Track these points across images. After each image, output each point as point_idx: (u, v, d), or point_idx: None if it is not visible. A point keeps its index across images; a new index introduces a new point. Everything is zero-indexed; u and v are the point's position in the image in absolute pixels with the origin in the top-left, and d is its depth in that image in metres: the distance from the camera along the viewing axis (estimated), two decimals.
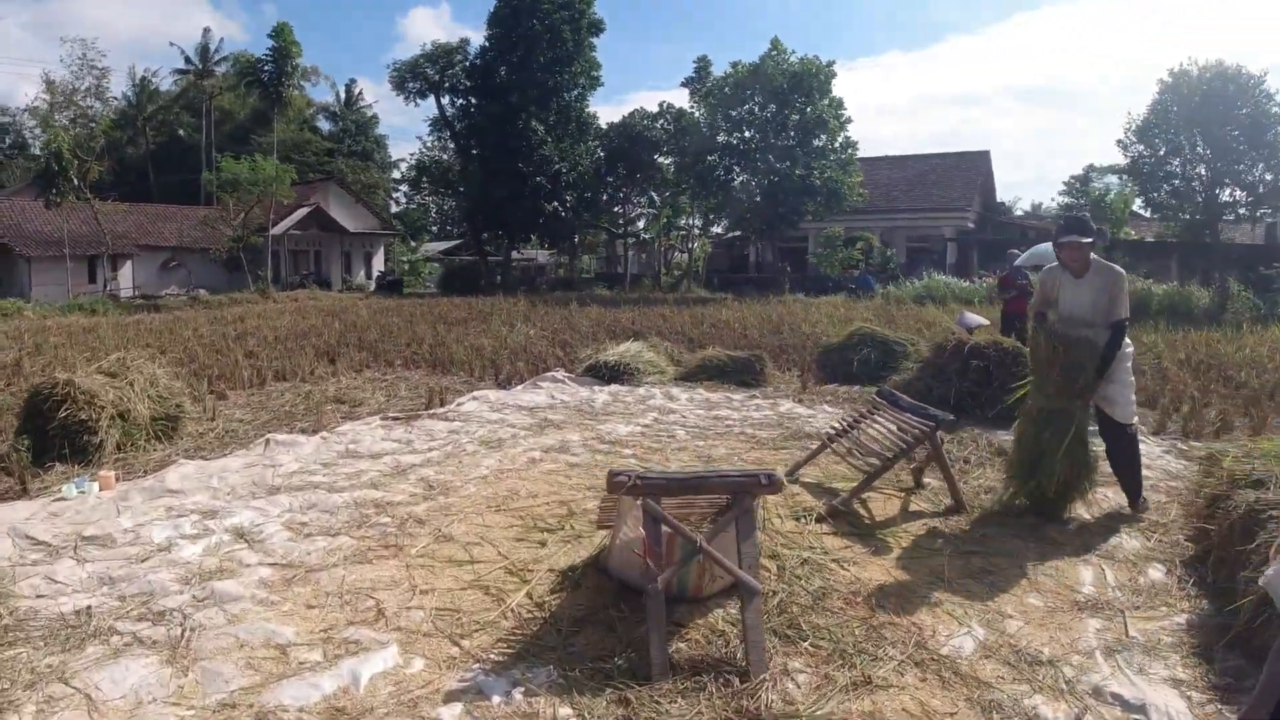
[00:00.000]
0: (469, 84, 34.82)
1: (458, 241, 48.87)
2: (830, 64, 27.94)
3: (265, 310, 22.99)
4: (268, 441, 6.63)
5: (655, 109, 34.45)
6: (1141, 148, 24.25)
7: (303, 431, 7.26)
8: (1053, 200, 36.38)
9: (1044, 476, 4.62)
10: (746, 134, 29.70)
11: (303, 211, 36.20)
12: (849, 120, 28.72)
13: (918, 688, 3.06)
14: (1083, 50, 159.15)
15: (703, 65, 33.29)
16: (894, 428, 5.07)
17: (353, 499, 5.14)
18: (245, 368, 10.60)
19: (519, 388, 9.47)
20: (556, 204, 33.32)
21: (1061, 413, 4.65)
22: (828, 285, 28.52)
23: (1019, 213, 39.31)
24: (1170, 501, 5.15)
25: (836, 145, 28.69)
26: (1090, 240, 4.75)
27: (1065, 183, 45.15)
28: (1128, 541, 4.71)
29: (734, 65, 29.54)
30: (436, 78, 35.17)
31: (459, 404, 8.51)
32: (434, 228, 57.14)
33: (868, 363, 10.34)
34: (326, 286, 36.08)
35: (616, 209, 36.72)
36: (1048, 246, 17.21)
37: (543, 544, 4.37)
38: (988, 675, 3.17)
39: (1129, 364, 4.83)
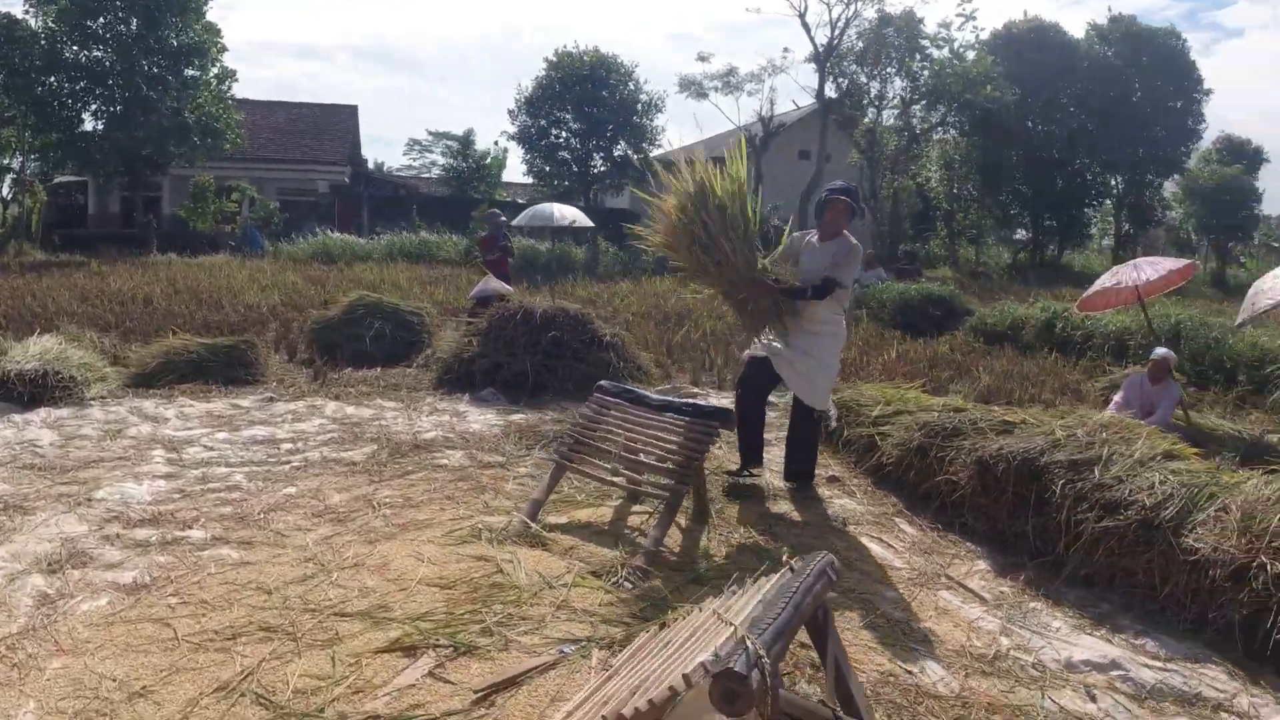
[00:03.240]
0: None
1: None
2: None
3: None
4: None
5: None
6: (526, 118, 26.56)
7: None
8: (413, 160, 37.42)
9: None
10: (99, 53, 22.70)
11: None
12: (224, 49, 24.35)
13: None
14: (417, 14, 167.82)
15: None
16: (660, 433, 4.01)
17: None
18: None
19: None
20: None
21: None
22: (202, 242, 24.04)
23: (388, 169, 39.37)
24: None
25: (212, 77, 24.04)
26: (853, 209, 4.66)
27: (408, 144, 46.95)
28: (850, 505, 4.70)
29: None
30: None
31: None
32: None
33: (384, 338, 8.70)
34: None
35: None
36: (548, 207, 17.29)
37: None
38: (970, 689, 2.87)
39: (838, 348, 4.78)
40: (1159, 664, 3.22)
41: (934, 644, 3.32)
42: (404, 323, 9.02)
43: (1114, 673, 3.15)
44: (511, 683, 2.57)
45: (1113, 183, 27.53)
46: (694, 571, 3.58)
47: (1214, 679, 3.12)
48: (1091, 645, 3.34)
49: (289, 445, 5.50)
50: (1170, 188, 27.36)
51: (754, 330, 4.65)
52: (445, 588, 3.23)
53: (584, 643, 2.76)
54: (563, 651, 2.68)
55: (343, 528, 3.99)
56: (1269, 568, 3.25)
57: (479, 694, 2.51)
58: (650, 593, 3.32)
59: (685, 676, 1.65)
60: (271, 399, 6.84)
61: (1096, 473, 4.04)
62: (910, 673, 3.06)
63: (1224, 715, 2.91)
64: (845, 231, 4.75)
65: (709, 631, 2.04)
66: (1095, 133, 25.75)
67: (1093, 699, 2.98)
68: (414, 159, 36.84)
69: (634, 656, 2.19)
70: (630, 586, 3.31)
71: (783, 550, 3.99)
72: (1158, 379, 6.43)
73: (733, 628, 1.92)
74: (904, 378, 8.34)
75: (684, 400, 4.21)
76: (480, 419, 6.27)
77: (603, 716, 1.74)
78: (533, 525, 3.75)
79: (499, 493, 4.55)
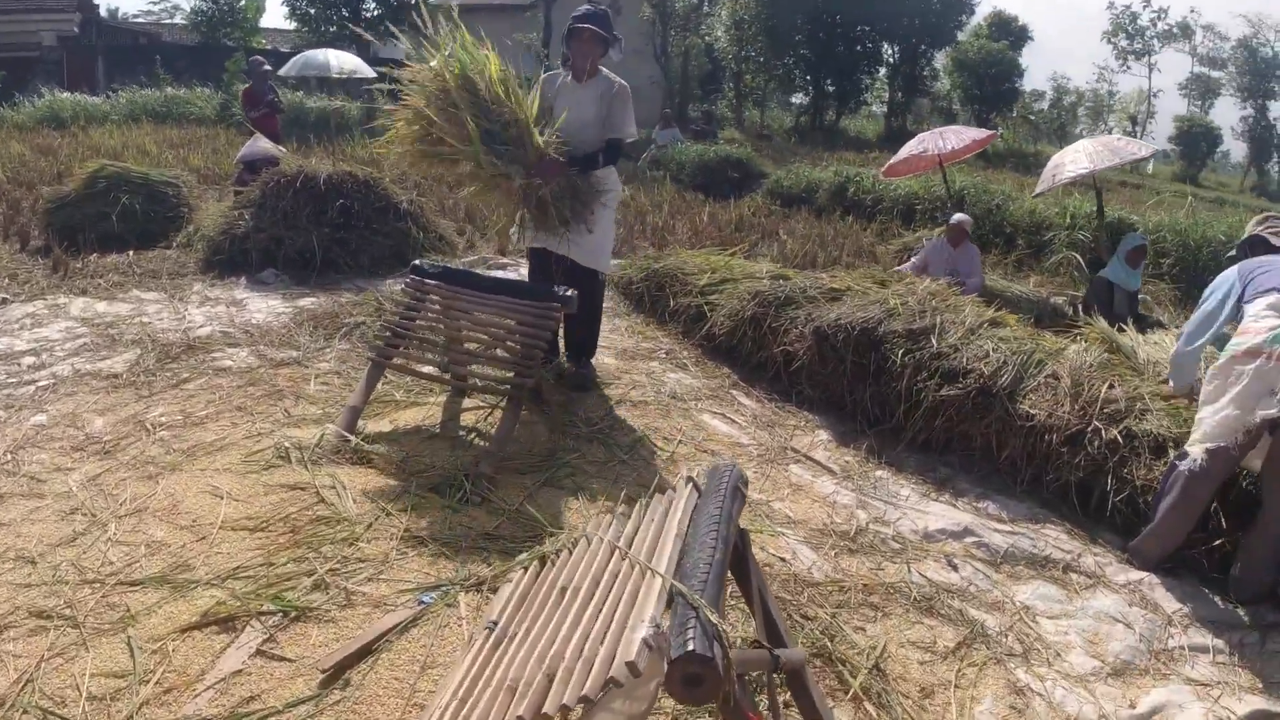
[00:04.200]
0: None
1: None
2: None
3: None
4: None
5: None
6: None
7: None
8: (153, 4, 31.36)
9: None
10: None
11: None
12: None
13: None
14: None
15: None
16: (494, 319, 3.49)
17: None
18: None
19: None
20: None
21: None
22: None
23: (124, 16, 32.75)
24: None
25: None
26: (603, 39, 3.99)
27: None
28: (685, 380, 4.52)
29: None
30: None
31: None
32: None
33: (135, 216, 7.20)
34: None
35: None
36: (321, 55, 14.63)
37: None
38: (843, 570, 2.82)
39: (613, 210, 4.25)
40: (1006, 528, 3.32)
41: (798, 525, 3.21)
42: (157, 195, 7.48)
43: (968, 539, 3.20)
44: (366, 652, 2.07)
45: (888, 51, 28.67)
46: (546, 473, 3.18)
47: (1056, 539, 3.27)
48: (942, 513, 3.39)
49: (31, 359, 4.33)
50: (941, 59, 28.89)
51: (545, 226, 3.87)
52: (257, 530, 2.59)
53: (446, 587, 2.29)
54: (422, 601, 2.21)
55: (112, 461, 3.14)
56: (1103, 433, 3.41)
57: (327, 673, 2.01)
58: (505, 506, 2.90)
59: (630, 664, 1.27)
60: (3, 300, 5.40)
61: (934, 341, 4.06)
62: (784, 560, 2.92)
63: (1073, 575, 3.04)
64: (602, 69, 4.09)
65: (621, 580, 1.66)
66: (874, 0, 26.46)
67: (954, 568, 3.01)
68: (154, 3, 30.96)
69: (523, 612, 1.78)
70: (479, 501, 2.87)
71: (635, 440, 3.70)
72: (957, 242, 6.71)
73: (660, 579, 1.55)
74: (713, 242, 8.24)
75: (517, 280, 3.67)
76: (263, 307, 5.32)
77: (519, 718, 1.33)
78: (351, 438, 3.13)
79: (300, 397, 3.82)
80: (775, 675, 1.60)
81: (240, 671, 2.02)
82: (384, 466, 3.03)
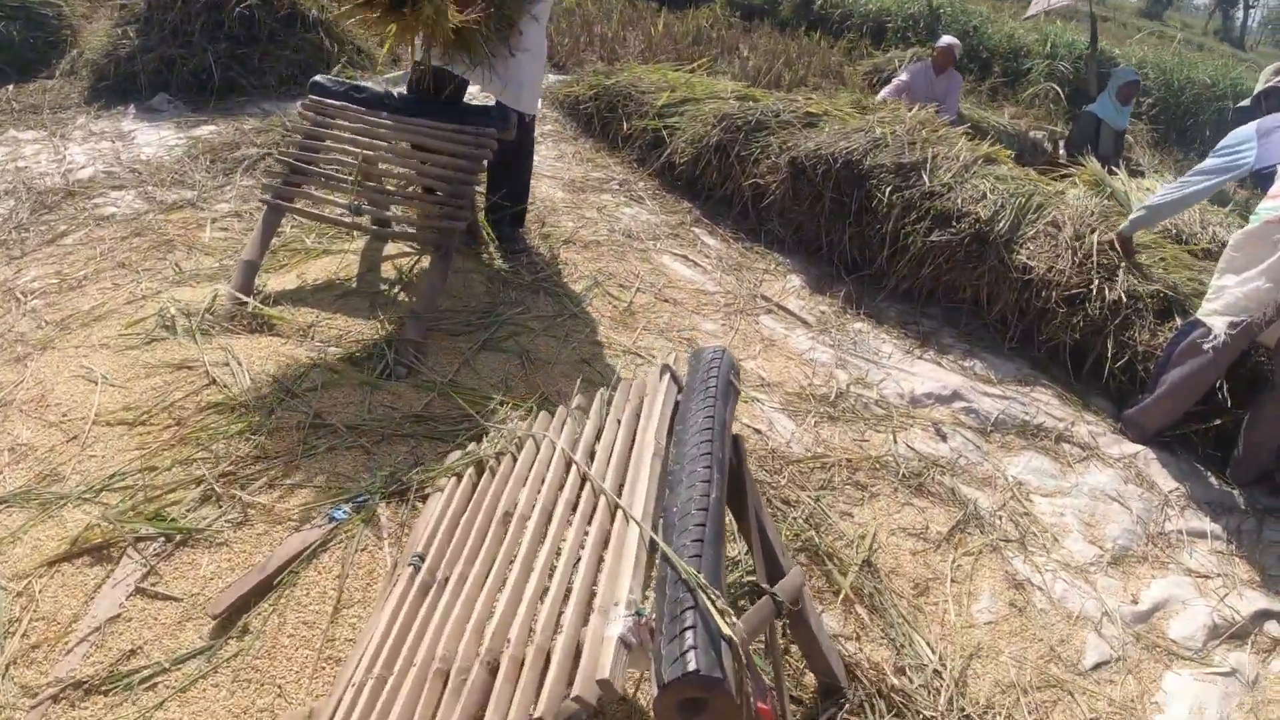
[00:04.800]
0: None
1: None
2: None
3: None
4: None
5: None
6: None
7: None
8: None
9: None
10: None
11: None
12: None
13: None
14: None
15: None
16: (416, 147, 2.88)
17: None
18: None
19: None
20: None
21: None
22: None
23: None
24: None
25: None
26: None
27: None
28: (641, 215, 4.01)
29: None
30: None
31: None
32: None
33: (11, 44, 5.98)
34: None
35: None
36: None
37: None
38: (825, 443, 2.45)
39: (544, 52, 3.27)
40: (996, 391, 3.03)
41: (773, 388, 2.86)
42: (36, 20, 6.23)
43: (957, 405, 2.91)
44: (267, 587, 1.67)
45: None
46: (485, 333, 2.71)
47: (1048, 405, 2.99)
48: (928, 373, 3.08)
49: None
50: None
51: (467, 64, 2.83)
52: (136, 425, 2.08)
53: (362, 497, 1.87)
54: (333, 518, 1.79)
55: None
56: (1105, 294, 3.06)
57: (219, 617, 1.62)
58: (436, 379, 2.44)
59: (603, 684, 0.89)
60: None
61: (925, 179, 3.59)
62: (760, 432, 2.59)
63: (1066, 447, 2.79)
64: None
65: (581, 517, 1.26)
66: None
67: (943, 438, 2.73)
68: None
69: (456, 545, 1.38)
70: (405, 374, 2.40)
71: (587, 288, 3.23)
72: (942, 68, 6.07)
73: (635, 529, 1.15)
74: (669, 57, 7.42)
75: (445, 102, 3.01)
76: (154, 139, 4.47)
77: None
78: (248, 300, 2.58)
79: (193, 248, 3.19)
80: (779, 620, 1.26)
81: (118, 616, 1.62)
82: (288, 334, 2.51)
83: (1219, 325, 2.62)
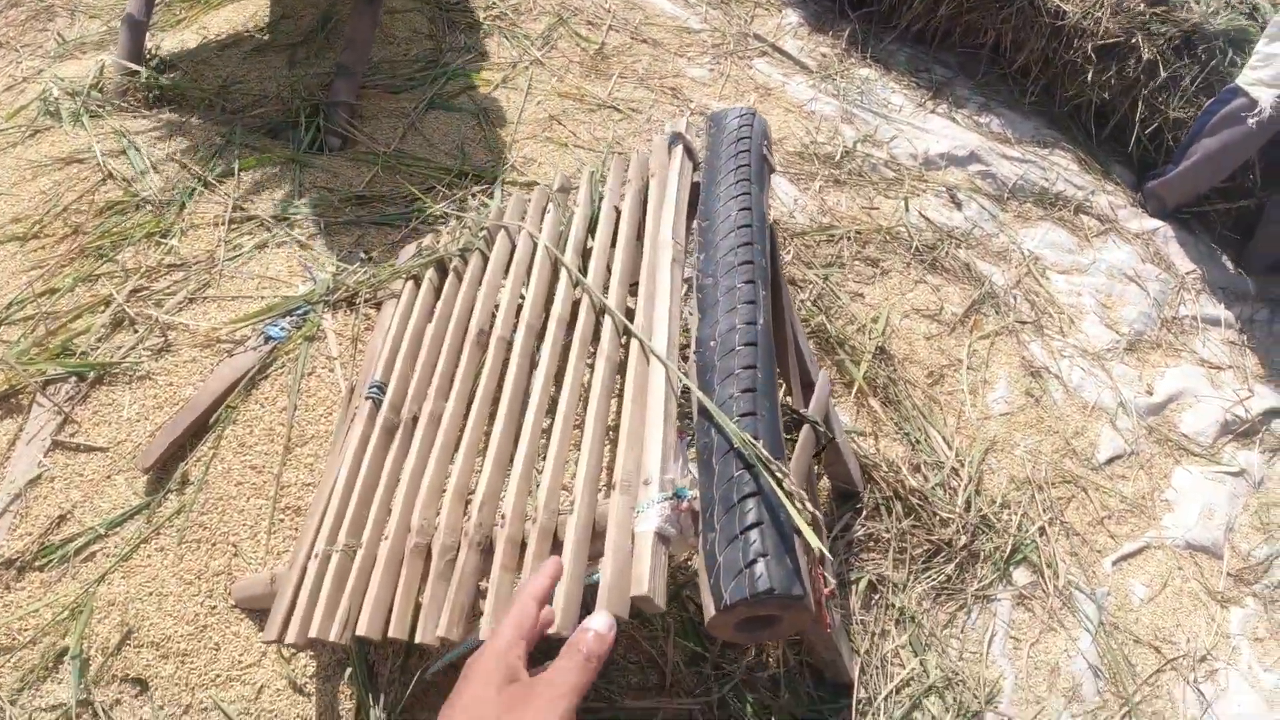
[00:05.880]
0: None
1: None
2: None
3: None
4: None
5: None
6: None
7: None
8: None
9: None
10: None
11: None
12: None
13: None
14: None
15: None
16: None
17: None
18: None
19: None
20: None
21: None
22: None
23: None
24: None
25: None
26: None
27: None
28: None
29: None
30: None
31: None
32: None
33: None
34: None
35: None
36: None
37: None
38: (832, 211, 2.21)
39: None
40: (1015, 153, 2.71)
41: (773, 148, 2.51)
42: None
43: (973, 167, 2.60)
44: (203, 427, 1.38)
45: None
46: (431, 88, 2.25)
47: (1067, 170, 2.70)
48: (943, 130, 2.73)
49: None
50: None
51: None
52: (30, 239, 1.67)
53: (301, 309, 1.53)
54: (269, 337, 1.48)
55: None
56: (1143, 51, 2.65)
57: (149, 471, 1.35)
58: (377, 148, 2.03)
59: (641, 599, 0.67)
60: None
61: None
62: None
63: (1084, 219, 2.54)
64: None
65: (581, 343, 0.99)
66: None
67: (958, 205, 2.46)
68: None
69: (423, 380, 1.11)
70: (339, 145, 1.98)
71: (549, 27, 2.71)
72: None
73: (663, 371, 0.88)
74: None
75: None
76: None
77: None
78: (139, 69, 2.04)
79: (77, 10, 2.51)
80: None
81: (39, 478, 1.35)
82: (193, 107, 2.01)
83: (1266, 97, 2.30)
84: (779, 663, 1.38)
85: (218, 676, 1.22)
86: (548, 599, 0.66)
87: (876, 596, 1.51)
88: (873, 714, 1.38)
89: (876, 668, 1.44)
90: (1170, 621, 1.72)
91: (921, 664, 1.46)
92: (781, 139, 2.57)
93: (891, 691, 1.42)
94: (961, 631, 1.54)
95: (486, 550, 0.84)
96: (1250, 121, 2.33)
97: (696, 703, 1.30)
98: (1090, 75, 2.76)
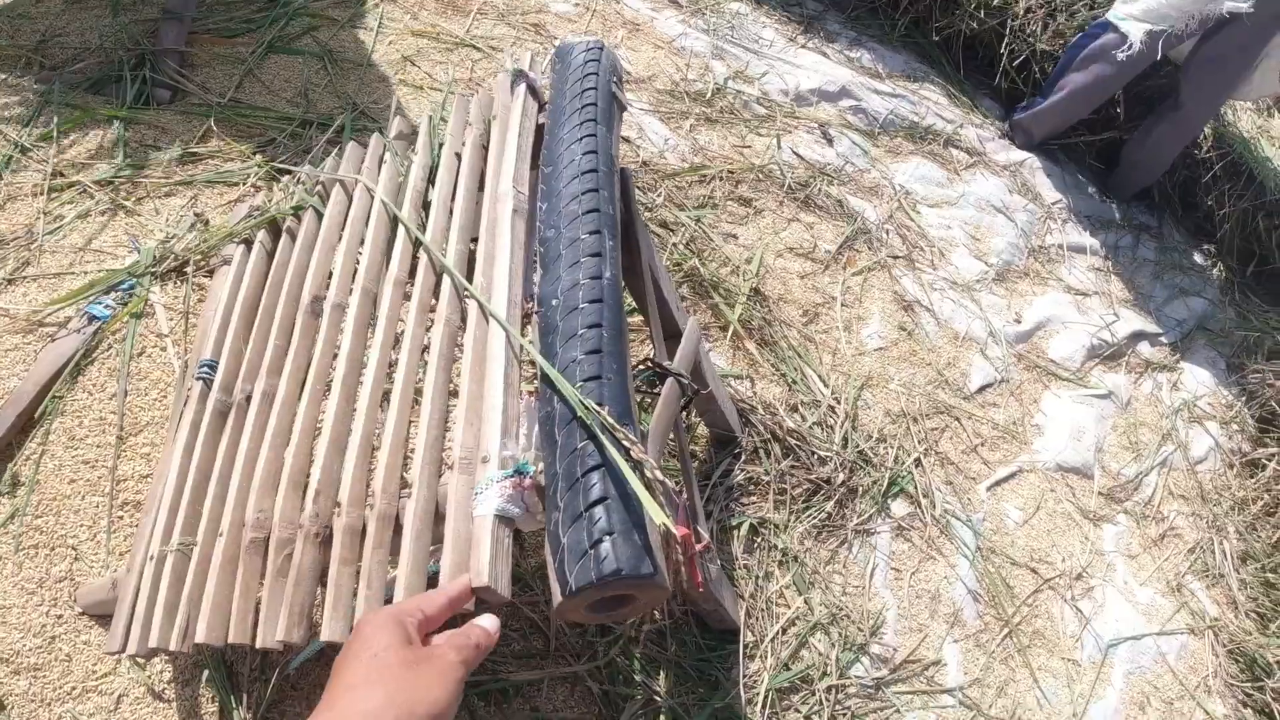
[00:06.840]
0: None
1: None
2: None
3: None
4: None
5: None
6: None
7: None
8: None
9: None
10: None
11: None
12: None
13: None
14: None
15: None
16: None
17: None
18: None
19: None
20: None
21: None
22: None
23: None
24: None
25: None
26: None
27: None
28: None
29: None
30: None
31: None
32: None
33: None
34: None
35: None
36: None
37: None
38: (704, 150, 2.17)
39: None
40: (885, 88, 2.72)
41: (641, 85, 2.44)
42: None
43: (844, 103, 2.60)
44: (29, 422, 1.22)
45: None
46: (269, 30, 2.05)
47: (937, 105, 2.74)
48: (814, 65, 2.71)
49: None
50: None
51: None
52: None
53: (128, 283, 1.35)
54: (93, 317, 1.30)
55: None
56: None
57: None
58: (210, 100, 1.84)
59: (484, 591, 0.62)
60: None
61: None
62: (628, 140, 2.21)
63: (953, 152, 2.58)
64: None
65: (419, 308, 0.92)
66: None
67: (830, 141, 2.46)
68: None
69: (256, 354, 1.01)
70: (168, 99, 1.78)
71: None
72: None
73: (501, 332, 0.81)
74: None
75: None
76: None
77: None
78: None
79: None
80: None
81: None
82: (9, 65, 1.77)
83: (1135, 32, 2.36)
84: (665, 614, 1.37)
85: (73, 689, 1.12)
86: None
87: (759, 540, 1.52)
88: (760, 656, 1.40)
89: (762, 610, 1.45)
90: (1046, 542, 1.80)
91: (806, 602, 1.48)
92: (651, 76, 2.49)
93: (778, 632, 1.44)
94: (844, 567, 1.57)
95: (326, 541, 0.78)
96: (1120, 56, 2.39)
97: (584, 666, 1.27)
98: (960, 5, 2.78)
